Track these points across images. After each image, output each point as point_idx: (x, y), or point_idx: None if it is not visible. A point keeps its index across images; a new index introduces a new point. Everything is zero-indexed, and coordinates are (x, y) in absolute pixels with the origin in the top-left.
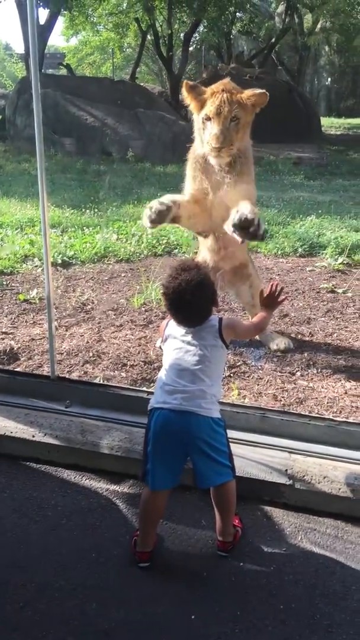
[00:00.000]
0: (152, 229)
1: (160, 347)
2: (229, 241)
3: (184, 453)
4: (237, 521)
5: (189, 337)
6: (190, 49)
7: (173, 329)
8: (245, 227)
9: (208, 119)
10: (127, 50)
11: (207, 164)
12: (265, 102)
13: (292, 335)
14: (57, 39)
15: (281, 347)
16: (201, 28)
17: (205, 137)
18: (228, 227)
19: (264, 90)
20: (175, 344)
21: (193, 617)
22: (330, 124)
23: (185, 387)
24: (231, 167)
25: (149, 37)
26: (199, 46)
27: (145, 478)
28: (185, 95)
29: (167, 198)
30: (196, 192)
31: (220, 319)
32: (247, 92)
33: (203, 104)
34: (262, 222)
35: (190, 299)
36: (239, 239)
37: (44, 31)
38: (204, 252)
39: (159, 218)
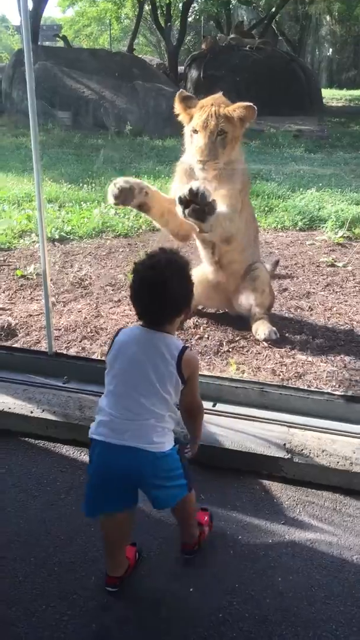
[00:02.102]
0: (116, 207)
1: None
2: (226, 250)
3: (132, 488)
4: (206, 518)
5: (141, 357)
6: (189, 19)
7: (124, 343)
8: (190, 201)
9: (195, 131)
10: (125, 21)
11: (194, 176)
12: (254, 115)
13: (292, 309)
14: (53, 11)
15: (261, 337)
16: None
17: (191, 149)
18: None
19: (250, 104)
20: (123, 362)
21: (191, 589)
22: (332, 96)
23: (133, 419)
24: (218, 181)
25: (146, 7)
26: (197, 16)
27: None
28: (176, 106)
29: (136, 181)
30: None
31: (184, 348)
32: (234, 105)
33: (192, 116)
34: (207, 194)
35: (168, 278)
36: (181, 215)
37: (40, 3)
38: (205, 265)
39: (123, 197)
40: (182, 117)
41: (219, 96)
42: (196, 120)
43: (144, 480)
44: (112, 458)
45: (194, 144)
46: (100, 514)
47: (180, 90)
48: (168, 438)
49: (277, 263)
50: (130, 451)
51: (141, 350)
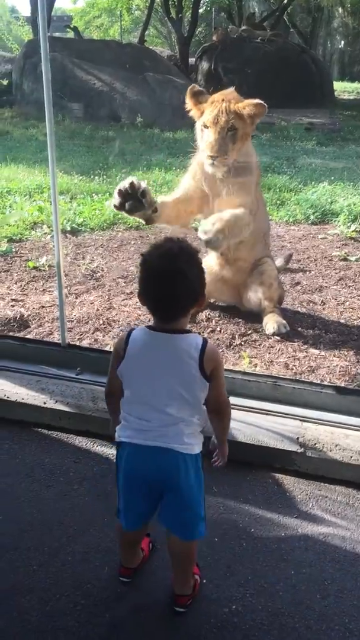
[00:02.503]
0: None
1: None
2: (234, 248)
3: (159, 494)
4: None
5: (159, 365)
6: (200, 10)
7: (140, 354)
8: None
9: (206, 127)
10: (136, 12)
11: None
12: (264, 113)
13: (304, 303)
14: (64, 1)
15: (270, 332)
16: None
17: (201, 145)
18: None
19: (261, 101)
20: (140, 374)
21: (205, 581)
22: (343, 89)
23: (161, 424)
24: (229, 177)
25: None
26: (209, 8)
27: (118, 515)
28: (188, 101)
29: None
30: (191, 192)
31: (205, 343)
32: (244, 102)
33: (203, 111)
34: (213, 234)
35: (181, 267)
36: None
37: None
38: (211, 259)
39: (125, 199)
40: (193, 112)
41: (230, 91)
42: (207, 115)
43: (171, 484)
44: (140, 459)
45: (204, 139)
46: (138, 525)
47: (192, 85)
48: (197, 440)
49: (290, 257)
50: (159, 451)
51: (159, 359)
